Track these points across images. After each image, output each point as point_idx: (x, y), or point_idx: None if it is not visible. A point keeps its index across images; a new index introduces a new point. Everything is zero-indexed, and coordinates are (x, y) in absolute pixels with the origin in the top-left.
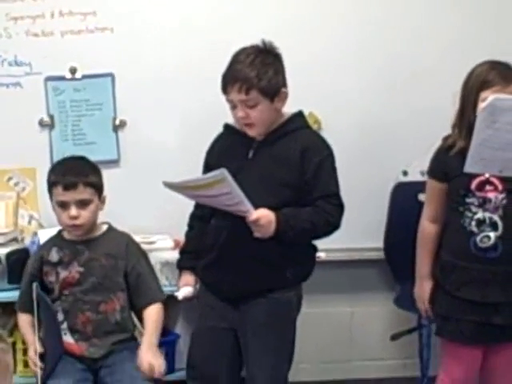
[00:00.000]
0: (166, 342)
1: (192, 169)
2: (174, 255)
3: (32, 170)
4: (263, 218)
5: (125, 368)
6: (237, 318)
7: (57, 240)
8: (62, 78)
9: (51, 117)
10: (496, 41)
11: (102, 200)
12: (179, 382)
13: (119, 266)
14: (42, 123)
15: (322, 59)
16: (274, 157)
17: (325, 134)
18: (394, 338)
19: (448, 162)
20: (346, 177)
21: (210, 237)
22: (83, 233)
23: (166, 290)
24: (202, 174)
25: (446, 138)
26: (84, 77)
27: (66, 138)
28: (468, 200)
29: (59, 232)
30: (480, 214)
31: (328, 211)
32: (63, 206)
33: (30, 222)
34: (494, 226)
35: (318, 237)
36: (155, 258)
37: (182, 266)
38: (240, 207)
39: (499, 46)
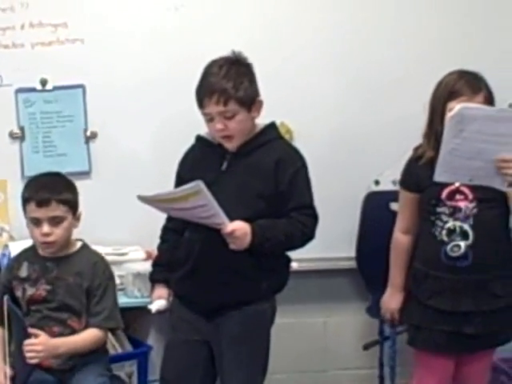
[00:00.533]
0: (139, 354)
1: (164, 180)
2: (146, 266)
3: (3, 182)
4: (238, 230)
5: (82, 380)
6: (210, 330)
7: (29, 254)
8: (33, 90)
9: (22, 129)
10: (467, 50)
11: (76, 217)
12: None
13: (83, 286)
14: (12, 135)
15: (293, 69)
16: (248, 168)
17: (296, 143)
18: (366, 347)
19: (419, 173)
20: (317, 186)
21: (184, 250)
22: (55, 250)
23: (138, 301)
24: (175, 186)
25: (416, 149)
26: (55, 88)
27: (36, 149)
28: (439, 209)
29: (33, 246)
30: (450, 223)
31: (303, 222)
32: (36, 222)
33: (0, 235)
34: (464, 235)
35: (293, 248)
36: (127, 270)
37: (154, 278)
38: (215, 220)
39: (471, 56)
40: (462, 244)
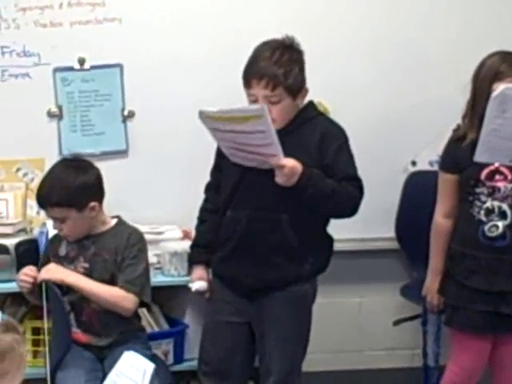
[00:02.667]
0: (175, 332)
1: (202, 159)
2: (183, 245)
3: (41, 160)
4: (289, 168)
5: None
6: (253, 311)
7: None
8: (71, 69)
9: (60, 107)
10: (505, 31)
11: (91, 208)
12: (188, 372)
13: (118, 260)
14: (50, 114)
15: (330, 49)
16: (292, 145)
17: None
18: (396, 323)
19: (458, 153)
20: None
21: (226, 229)
22: (74, 239)
23: (175, 280)
24: (214, 164)
25: (455, 130)
26: (92, 67)
27: (74, 128)
28: (478, 190)
29: None
30: (489, 203)
31: (350, 190)
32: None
33: (38, 213)
34: (502, 215)
35: (337, 212)
36: (163, 249)
37: (193, 260)
38: (270, 149)
39: (508, 36)
40: (500, 224)
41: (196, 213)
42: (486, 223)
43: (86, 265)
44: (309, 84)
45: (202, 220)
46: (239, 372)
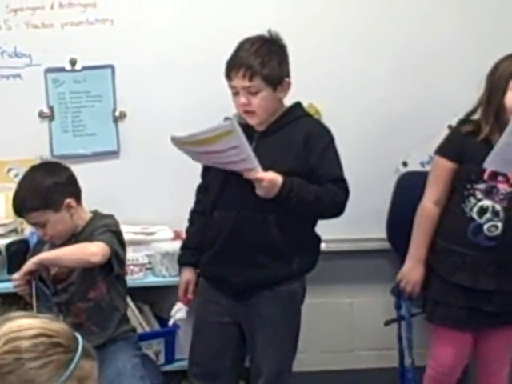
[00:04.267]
0: (166, 333)
1: (193, 161)
2: (174, 246)
3: (32, 161)
4: (268, 180)
5: (116, 360)
6: (242, 311)
7: None
8: (62, 70)
9: (51, 108)
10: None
11: (67, 206)
12: (179, 372)
13: None
14: (41, 115)
15: (322, 49)
16: (276, 146)
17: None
18: (387, 323)
19: (466, 144)
20: (345, 167)
21: (213, 230)
22: (61, 241)
23: (166, 280)
24: (202, 168)
25: (463, 122)
26: (84, 68)
27: (65, 129)
28: (476, 186)
29: None
30: (484, 202)
31: (335, 192)
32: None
33: None
34: (495, 216)
35: (322, 215)
36: (155, 249)
37: (183, 261)
38: (247, 164)
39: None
40: (500, 224)
41: (187, 213)
42: (478, 221)
43: None
44: (300, 85)
45: (191, 222)
46: (229, 373)
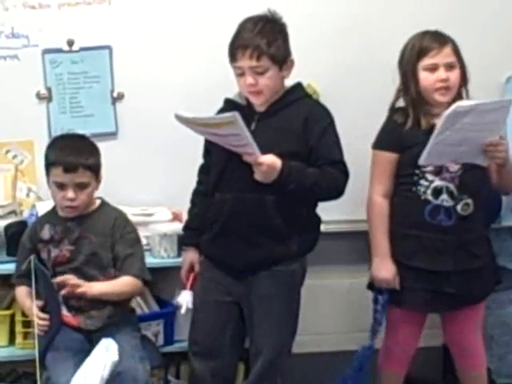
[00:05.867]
0: (165, 314)
1: (191, 142)
2: (173, 227)
3: (30, 142)
4: (267, 165)
5: (115, 341)
6: (241, 290)
7: (50, 216)
8: (60, 51)
9: (49, 89)
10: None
11: (98, 180)
12: (179, 353)
13: (107, 242)
14: (39, 96)
15: (320, 30)
16: (276, 128)
17: None
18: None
19: (402, 132)
20: (344, 148)
21: (214, 211)
22: (77, 213)
23: (164, 261)
24: (204, 148)
25: (393, 111)
26: (81, 49)
27: (63, 110)
28: (424, 169)
29: (54, 207)
30: (437, 183)
31: (333, 175)
32: (61, 186)
33: (28, 195)
34: (451, 196)
35: (322, 198)
36: (153, 231)
37: (186, 242)
38: (247, 149)
39: None
40: (470, 202)
41: (186, 194)
42: (439, 203)
43: (72, 247)
44: (298, 65)
45: (194, 203)
46: (228, 352)
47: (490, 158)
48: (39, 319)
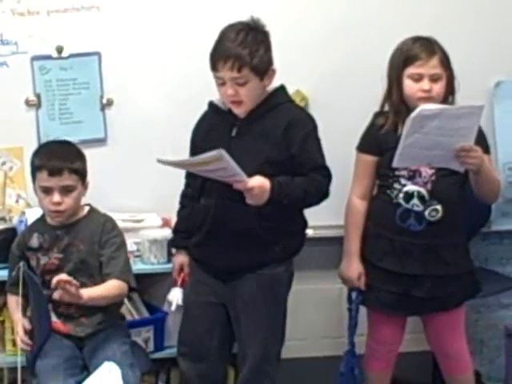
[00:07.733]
0: (155, 320)
1: (179, 147)
2: (162, 233)
3: (19, 149)
4: (258, 187)
5: (106, 348)
6: (227, 293)
7: (39, 224)
8: (49, 57)
9: (38, 96)
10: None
11: (85, 185)
12: (169, 359)
13: (95, 250)
14: (28, 102)
15: (308, 36)
16: (257, 133)
17: (311, 111)
18: None
19: (382, 136)
20: (331, 154)
21: (199, 215)
22: (64, 219)
23: (154, 267)
24: (190, 153)
25: (377, 115)
26: (71, 56)
27: (52, 117)
28: (398, 172)
29: (43, 215)
30: (409, 187)
31: (318, 181)
32: (46, 191)
33: (17, 202)
34: (422, 200)
35: (310, 205)
36: (143, 236)
37: (175, 245)
38: (236, 178)
39: None
40: (439, 207)
41: (175, 200)
42: (410, 207)
43: (60, 255)
44: (286, 71)
45: (182, 205)
46: (216, 354)
47: (463, 164)
48: (22, 343)
